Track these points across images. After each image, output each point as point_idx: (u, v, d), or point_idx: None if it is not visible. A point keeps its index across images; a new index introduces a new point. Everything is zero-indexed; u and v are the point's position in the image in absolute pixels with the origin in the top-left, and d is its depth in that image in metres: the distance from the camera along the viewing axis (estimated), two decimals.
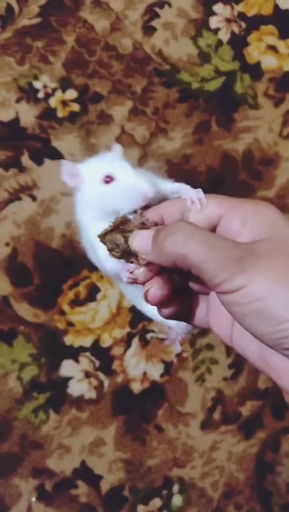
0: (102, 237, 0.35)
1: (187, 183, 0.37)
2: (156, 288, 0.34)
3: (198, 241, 0.31)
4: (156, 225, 0.35)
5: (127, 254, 0.34)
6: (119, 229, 0.35)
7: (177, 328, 0.45)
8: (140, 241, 0.34)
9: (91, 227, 0.39)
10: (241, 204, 0.34)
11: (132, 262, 0.34)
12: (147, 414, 0.78)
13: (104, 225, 0.35)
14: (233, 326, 0.35)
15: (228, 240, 0.31)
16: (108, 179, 0.36)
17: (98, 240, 0.35)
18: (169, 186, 0.39)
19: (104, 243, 0.35)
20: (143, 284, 0.34)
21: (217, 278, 0.30)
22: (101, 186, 0.36)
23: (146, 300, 0.34)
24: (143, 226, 0.34)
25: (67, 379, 0.77)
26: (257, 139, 0.83)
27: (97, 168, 0.37)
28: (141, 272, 0.34)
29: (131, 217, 0.35)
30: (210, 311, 0.37)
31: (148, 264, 0.34)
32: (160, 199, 0.38)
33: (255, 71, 0.84)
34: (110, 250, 0.35)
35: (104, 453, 0.77)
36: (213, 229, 0.34)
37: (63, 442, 0.77)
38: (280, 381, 0.33)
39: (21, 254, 0.77)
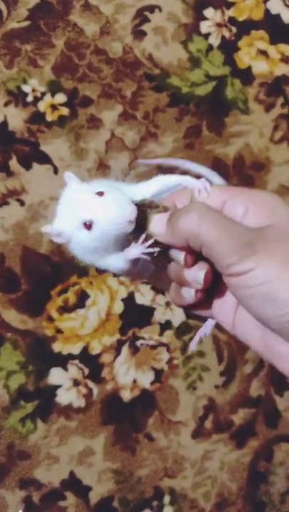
0: None
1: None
2: (210, 268, 0.34)
3: (211, 221, 0.32)
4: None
5: (140, 232, 0.36)
6: (142, 207, 0.36)
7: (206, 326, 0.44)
8: (156, 223, 0.35)
9: (97, 261, 0.38)
10: (243, 191, 0.35)
11: (144, 243, 0.36)
12: (137, 422, 0.77)
13: (106, 257, 0.37)
14: (236, 312, 0.36)
15: (240, 224, 0.33)
16: (87, 225, 0.35)
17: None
18: (173, 179, 0.39)
19: None
20: (189, 266, 0.35)
21: (227, 259, 0.31)
22: (85, 234, 0.36)
23: (204, 284, 0.34)
24: (161, 210, 0.36)
25: (56, 387, 0.75)
26: (248, 144, 0.82)
27: (72, 219, 0.36)
28: (189, 257, 0.34)
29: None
30: (213, 297, 0.37)
31: (161, 247, 0.35)
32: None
33: (246, 76, 0.84)
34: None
35: (93, 463, 0.75)
36: None
37: (51, 452, 0.75)
38: (282, 366, 0.33)
39: (9, 259, 0.75)
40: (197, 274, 0.34)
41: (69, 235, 0.36)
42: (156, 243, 0.35)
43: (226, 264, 0.31)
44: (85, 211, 0.35)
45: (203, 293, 0.35)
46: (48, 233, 0.36)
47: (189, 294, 0.35)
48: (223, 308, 0.36)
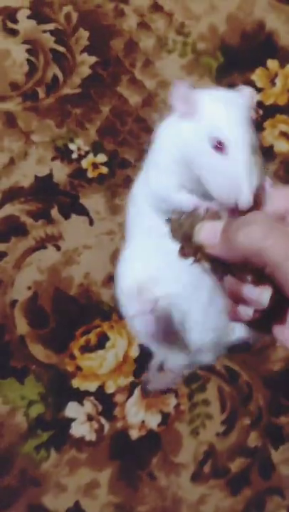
0: (170, 218, 0.33)
1: None
2: (271, 290, 0.30)
3: (278, 236, 0.28)
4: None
5: (186, 242, 0.32)
6: (190, 215, 0.32)
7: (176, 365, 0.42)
8: (208, 232, 0.30)
9: (165, 179, 0.34)
10: None
11: (188, 254, 0.32)
12: (142, 460, 0.82)
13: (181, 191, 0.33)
14: None
15: None
16: (219, 147, 0.31)
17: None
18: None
19: (170, 222, 0.33)
20: (256, 284, 0.30)
21: None
22: (205, 148, 0.31)
23: (263, 305, 0.31)
24: (213, 217, 0.32)
25: (71, 420, 0.81)
26: None
27: (215, 119, 0.31)
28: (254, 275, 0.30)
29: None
30: (274, 317, 0.33)
31: (212, 261, 0.31)
32: None
33: (269, 153, 0.93)
34: (172, 230, 0.32)
35: (98, 495, 0.81)
36: None
37: (60, 481, 0.80)
38: None
39: (41, 298, 0.83)
40: (262, 294, 0.30)
41: (193, 114, 0.32)
42: (204, 255, 0.31)
43: None
44: (232, 136, 0.31)
45: (262, 313, 0.31)
46: (178, 90, 0.32)
47: (247, 313, 0.31)
48: (286, 330, 0.32)
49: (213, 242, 0.30)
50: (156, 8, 0.94)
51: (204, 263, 0.31)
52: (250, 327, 0.35)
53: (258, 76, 0.94)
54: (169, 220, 0.33)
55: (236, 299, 0.32)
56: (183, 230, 0.32)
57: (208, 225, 0.31)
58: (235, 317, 0.33)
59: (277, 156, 0.93)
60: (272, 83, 0.94)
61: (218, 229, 0.30)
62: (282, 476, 0.84)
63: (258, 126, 0.94)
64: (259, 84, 0.94)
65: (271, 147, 0.93)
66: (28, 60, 0.89)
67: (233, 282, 0.31)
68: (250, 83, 0.94)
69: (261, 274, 0.29)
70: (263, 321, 0.32)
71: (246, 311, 0.31)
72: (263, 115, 0.95)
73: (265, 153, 0.92)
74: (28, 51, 0.89)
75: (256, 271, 0.29)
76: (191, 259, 0.32)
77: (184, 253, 0.32)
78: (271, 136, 0.94)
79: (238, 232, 0.29)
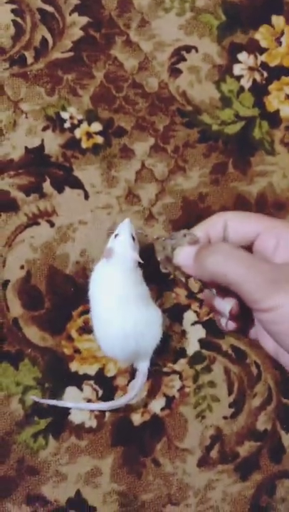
0: (157, 239, 0.41)
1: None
2: (236, 302, 0.37)
3: (237, 261, 0.34)
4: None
5: (168, 261, 0.40)
6: (172, 239, 0.40)
7: None
8: (183, 256, 0.38)
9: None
10: (278, 224, 0.37)
11: (168, 269, 0.40)
12: (145, 447, 0.78)
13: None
14: None
15: (265, 262, 0.35)
16: (108, 254, 0.50)
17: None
18: None
19: (156, 244, 0.41)
20: (221, 297, 0.38)
21: (253, 296, 0.33)
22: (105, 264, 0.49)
23: (229, 316, 0.38)
24: (189, 242, 0.39)
25: None
26: (271, 184, 0.86)
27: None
28: (219, 290, 0.38)
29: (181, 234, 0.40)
30: (257, 324, 0.40)
31: (188, 276, 0.39)
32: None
33: (274, 119, 0.87)
34: (157, 251, 0.41)
35: (100, 483, 0.77)
36: (250, 245, 0.38)
37: (60, 470, 0.76)
38: None
39: (35, 278, 0.78)
40: (225, 305, 0.38)
41: None
42: (181, 272, 0.39)
43: (252, 300, 0.33)
44: (112, 243, 0.56)
45: (236, 323, 0.38)
46: None
47: (223, 324, 0.39)
48: (265, 337, 0.38)
49: (188, 264, 0.38)
50: None
51: (181, 277, 0.40)
52: (236, 332, 0.42)
53: (262, 34, 0.87)
54: (155, 241, 0.41)
55: (211, 308, 0.40)
56: (165, 251, 0.40)
57: (184, 250, 0.38)
58: (220, 326, 0.41)
59: (283, 122, 0.87)
60: (278, 42, 0.88)
61: (192, 253, 0.37)
62: None
63: (263, 89, 0.88)
64: (263, 44, 0.88)
65: (277, 112, 0.87)
66: (14, 22, 0.83)
67: (207, 295, 0.40)
68: (254, 43, 0.88)
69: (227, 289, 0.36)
70: (242, 328, 0.41)
71: (223, 322, 0.40)
72: (268, 78, 0.88)
73: (271, 118, 0.86)
74: (14, 11, 0.83)
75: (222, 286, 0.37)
76: (170, 274, 0.41)
77: (165, 268, 0.40)
78: (277, 100, 0.88)
79: (206, 259, 0.35)
